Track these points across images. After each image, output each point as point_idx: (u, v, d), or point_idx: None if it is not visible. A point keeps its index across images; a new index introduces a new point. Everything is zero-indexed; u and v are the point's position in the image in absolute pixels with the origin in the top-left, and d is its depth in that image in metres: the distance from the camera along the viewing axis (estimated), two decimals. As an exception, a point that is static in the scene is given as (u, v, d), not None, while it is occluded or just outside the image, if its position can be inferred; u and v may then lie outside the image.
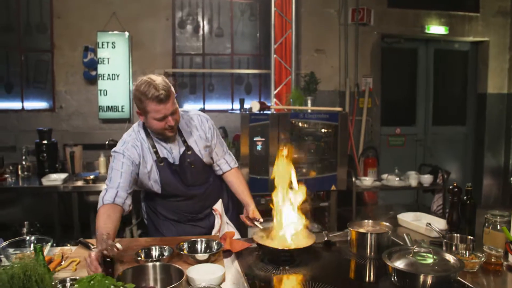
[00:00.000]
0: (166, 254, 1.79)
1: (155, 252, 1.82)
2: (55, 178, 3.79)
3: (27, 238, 1.93)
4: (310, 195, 2.00)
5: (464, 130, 6.22)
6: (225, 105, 5.36)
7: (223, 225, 2.27)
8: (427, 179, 4.28)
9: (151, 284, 1.52)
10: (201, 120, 2.22)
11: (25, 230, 4.20)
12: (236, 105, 5.29)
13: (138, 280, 1.48)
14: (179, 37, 5.18)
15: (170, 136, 2.06)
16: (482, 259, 1.71)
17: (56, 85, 4.81)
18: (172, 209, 2.23)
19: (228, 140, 4.54)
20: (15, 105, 4.85)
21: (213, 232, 2.24)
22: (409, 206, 4.49)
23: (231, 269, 1.76)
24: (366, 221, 2.08)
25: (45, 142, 4.06)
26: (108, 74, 4.75)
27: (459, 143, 6.21)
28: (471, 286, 1.56)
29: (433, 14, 5.57)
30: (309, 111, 4.08)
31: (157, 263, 1.57)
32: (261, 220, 2.15)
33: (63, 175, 3.90)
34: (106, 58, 4.72)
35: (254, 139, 3.78)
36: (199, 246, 1.90)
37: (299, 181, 1.98)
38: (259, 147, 3.79)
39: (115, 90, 4.77)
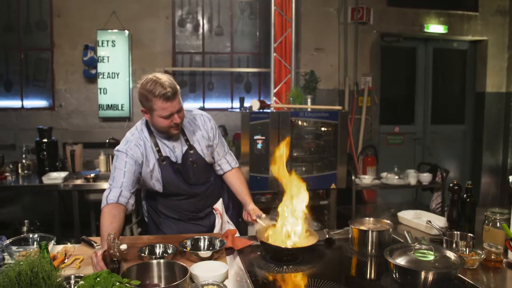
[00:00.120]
0: (169, 251, 1.80)
1: (158, 250, 1.83)
2: (56, 177, 3.80)
3: (30, 236, 1.94)
4: (310, 194, 2.00)
5: (463, 128, 6.24)
6: (225, 104, 5.37)
7: (223, 224, 2.28)
8: (426, 177, 4.30)
9: (155, 281, 1.53)
10: (204, 120, 2.24)
11: (25, 228, 4.21)
12: (236, 104, 5.30)
13: (143, 277, 1.50)
14: (179, 35, 5.18)
15: (175, 134, 2.07)
16: (482, 256, 1.73)
17: (56, 83, 4.81)
18: (173, 208, 2.24)
19: (228, 138, 4.55)
20: (15, 103, 4.85)
21: (214, 232, 2.26)
22: (408, 204, 4.51)
23: (233, 266, 1.77)
24: (367, 218, 2.10)
25: (45, 140, 4.07)
26: (108, 73, 4.75)
27: (458, 141, 6.24)
28: (472, 282, 1.58)
29: (432, 13, 5.59)
30: (309, 109, 4.10)
31: (161, 261, 1.58)
32: (263, 215, 2.15)
33: (63, 174, 3.91)
34: (106, 57, 4.72)
35: (255, 138, 3.79)
36: (202, 244, 1.92)
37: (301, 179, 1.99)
38: (259, 146, 3.80)
39: (115, 88, 4.78)
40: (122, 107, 4.81)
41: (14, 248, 1.82)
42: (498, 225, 1.89)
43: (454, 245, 1.83)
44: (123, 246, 1.89)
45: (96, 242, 1.97)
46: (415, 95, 6.01)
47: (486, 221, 1.95)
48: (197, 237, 1.95)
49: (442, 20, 5.63)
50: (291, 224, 1.93)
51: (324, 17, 5.29)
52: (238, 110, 4.25)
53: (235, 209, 2.45)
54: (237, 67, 5.36)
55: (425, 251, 1.63)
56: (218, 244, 1.88)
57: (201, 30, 5.24)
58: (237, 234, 2.22)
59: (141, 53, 4.91)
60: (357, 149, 5.35)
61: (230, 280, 1.62)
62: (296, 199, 1.93)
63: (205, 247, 1.90)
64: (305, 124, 4.00)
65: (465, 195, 2.09)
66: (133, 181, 1.99)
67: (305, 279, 1.66)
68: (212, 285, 1.47)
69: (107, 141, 4.38)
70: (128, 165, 1.99)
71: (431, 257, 1.59)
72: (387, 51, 5.66)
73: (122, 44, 4.76)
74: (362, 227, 1.99)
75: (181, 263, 1.55)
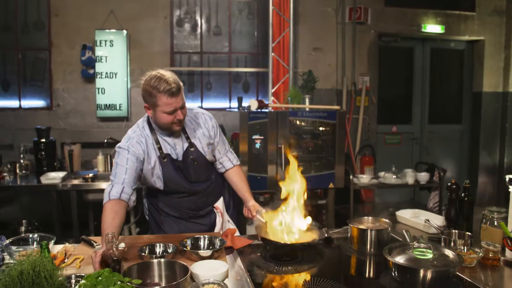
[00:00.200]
0: (169, 251, 1.81)
1: (158, 249, 1.83)
2: (54, 177, 3.79)
3: (30, 235, 1.94)
4: (308, 193, 2.02)
5: (460, 128, 6.27)
6: (223, 104, 5.37)
7: (224, 223, 2.29)
8: (423, 176, 4.31)
9: (156, 280, 1.54)
10: (205, 118, 2.27)
11: (23, 228, 4.20)
12: (234, 104, 5.31)
13: (143, 277, 1.50)
14: (177, 35, 5.18)
15: (177, 131, 2.09)
16: (480, 254, 1.74)
17: (53, 83, 4.80)
18: (174, 206, 2.25)
19: (227, 138, 4.55)
20: (13, 103, 4.85)
21: (215, 230, 2.27)
22: (406, 203, 4.53)
23: (233, 265, 1.78)
24: (365, 218, 2.11)
25: (43, 140, 4.06)
26: (106, 73, 4.75)
27: (455, 141, 6.26)
28: (470, 280, 1.60)
29: (430, 13, 5.61)
30: (307, 109, 4.11)
31: (162, 260, 1.59)
32: (263, 210, 2.15)
33: (61, 174, 3.90)
34: (104, 57, 4.72)
35: (253, 137, 3.80)
36: (202, 243, 1.92)
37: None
38: (257, 145, 3.81)
39: (113, 88, 4.77)
40: (120, 107, 4.81)
41: (13, 248, 1.82)
42: (495, 223, 1.90)
43: (452, 243, 1.84)
44: (122, 245, 1.90)
45: (96, 242, 1.97)
46: (413, 95, 6.03)
47: (484, 220, 1.96)
48: (197, 236, 1.96)
49: (440, 20, 5.65)
50: (292, 220, 1.94)
51: (322, 17, 5.31)
52: (236, 110, 4.25)
53: (235, 208, 2.46)
54: (235, 67, 5.37)
55: (424, 250, 1.64)
56: (218, 243, 1.89)
57: (199, 30, 5.24)
58: (237, 233, 2.23)
59: (139, 53, 4.91)
60: (355, 149, 5.37)
61: (230, 279, 1.63)
62: (295, 195, 1.96)
63: (205, 246, 1.91)
64: (303, 123, 4.01)
65: (463, 194, 2.10)
66: (134, 178, 2.01)
67: (305, 277, 1.67)
68: (213, 284, 1.47)
69: (106, 141, 4.38)
70: (130, 161, 2.01)
71: (430, 256, 1.60)
72: (384, 51, 5.68)
73: (120, 44, 4.75)
74: (361, 226, 2.00)
75: (182, 262, 1.56)
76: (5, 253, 1.79)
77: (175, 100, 1.93)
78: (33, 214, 4.33)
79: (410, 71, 5.99)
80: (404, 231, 1.97)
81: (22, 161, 4.13)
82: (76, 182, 3.85)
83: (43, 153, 4.06)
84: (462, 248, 1.80)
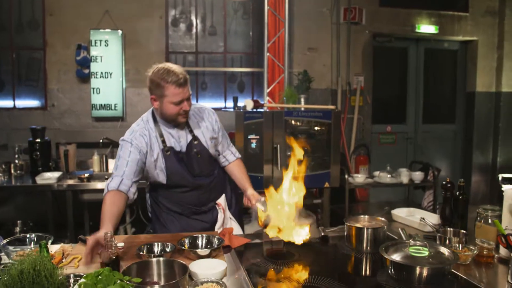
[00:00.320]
0: (168, 250, 1.81)
1: (157, 248, 1.84)
2: (49, 177, 3.78)
3: (27, 235, 1.94)
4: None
5: (454, 128, 6.32)
6: (218, 103, 5.38)
7: (226, 220, 2.31)
8: (418, 176, 4.35)
9: (155, 279, 1.54)
10: (208, 113, 2.33)
11: (18, 229, 4.19)
12: (229, 103, 5.31)
13: (142, 275, 1.51)
14: (172, 35, 5.18)
15: (182, 122, 2.14)
16: (475, 251, 1.77)
17: (48, 83, 4.78)
18: (176, 201, 2.26)
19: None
20: (7, 103, 4.82)
21: (216, 227, 2.28)
22: (400, 202, 4.57)
23: (231, 264, 1.79)
24: (362, 216, 2.13)
25: (38, 140, 4.04)
26: (101, 72, 4.74)
27: (449, 141, 6.32)
28: (465, 277, 1.62)
29: (424, 14, 5.66)
30: (302, 109, 4.12)
31: (161, 259, 1.59)
32: (262, 199, 2.17)
33: (57, 174, 3.89)
34: (99, 56, 4.70)
35: (249, 137, 3.81)
36: (200, 242, 1.93)
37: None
38: (253, 145, 3.83)
39: (108, 88, 4.77)
40: (115, 107, 4.80)
41: (11, 248, 1.82)
42: (489, 221, 1.93)
43: (447, 241, 1.87)
44: (120, 244, 1.91)
45: (93, 241, 1.97)
46: (407, 95, 6.07)
47: (478, 218, 1.99)
48: (195, 235, 1.97)
49: (433, 21, 5.70)
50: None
51: (317, 17, 5.33)
52: (231, 109, 4.26)
53: (237, 206, 2.49)
54: (231, 66, 5.38)
55: (420, 248, 1.66)
56: (216, 242, 1.90)
57: (194, 30, 5.25)
58: (239, 231, 2.28)
59: (135, 52, 4.90)
60: (350, 148, 5.40)
61: (228, 278, 1.64)
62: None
63: (203, 245, 1.92)
64: (298, 123, 4.02)
65: (457, 193, 2.13)
66: (135, 171, 2.05)
67: (302, 276, 1.68)
68: (212, 282, 1.49)
69: (101, 141, 4.37)
70: (132, 154, 2.06)
71: (426, 253, 1.63)
72: (379, 51, 5.72)
73: (115, 44, 4.74)
74: (358, 225, 2.02)
75: (181, 261, 1.57)
76: (2, 253, 1.79)
77: (182, 90, 2.01)
78: (28, 215, 4.31)
79: (404, 71, 6.04)
80: (400, 229, 1.99)
81: (17, 161, 4.12)
82: (71, 182, 3.84)
83: (38, 153, 4.04)
84: (457, 245, 1.83)
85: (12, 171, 4.08)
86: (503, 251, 1.81)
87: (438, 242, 1.89)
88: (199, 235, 1.97)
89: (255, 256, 1.89)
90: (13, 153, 4.21)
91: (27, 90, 4.86)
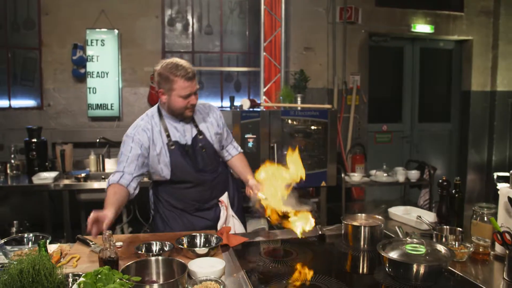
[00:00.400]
0: (166, 249, 1.82)
1: (155, 247, 1.84)
2: (46, 177, 3.77)
3: (25, 235, 1.94)
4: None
5: (449, 127, 6.36)
6: (215, 103, 5.38)
7: (228, 217, 2.31)
8: (414, 174, 4.38)
9: (154, 278, 1.55)
10: (212, 109, 2.37)
11: (14, 229, 4.16)
12: (226, 103, 5.31)
13: (141, 274, 1.51)
14: (168, 35, 5.18)
15: (189, 116, 2.17)
16: (471, 249, 1.79)
17: (44, 82, 4.77)
18: (179, 197, 2.27)
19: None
20: (2, 103, 4.79)
21: (219, 224, 2.29)
22: (396, 201, 4.59)
23: (230, 262, 1.80)
24: (359, 214, 2.14)
25: (34, 140, 4.03)
26: (97, 72, 4.73)
27: (444, 139, 6.36)
28: (461, 274, 1.64)
29: (419, 13, 5.69)
30: (299, 108, 4.14)
31: (160, 258, 1.60)
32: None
33: (53, 174, 3.88)
34: (95, 56, 4.69)
35: (246, 136, 3.82)
36: (198, 241, 1.94)
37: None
38: (250, 144, 3.84)
39: (104, 88, 4.75)
40: (111, 106, 4.79)
41: (8, 247, 1.82)
42: (485, 219, 1.95)
43: (444, 239, 1.88)
44: (119, 243, 1.91)
45: (92, 241, 1.97)
46: (403, 94, 6.10)
47: (474, 216, 2.01)
48: (193, 234, 1.98)
49: (429, 20, 5.73)
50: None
51: (313, 17, 5.34)
52: (228, 109, 4.27)
53: (240, 204, 2.50)
54: (227, 66, 5.38)
55: (416, 245, 1.67)
56: (214, 241, 1.90)
57: (190, 30, 5.24)
58: (242, 229, 2.30)
59: (131, 52, 4.89)
60: (346, 147, 5.41)
61: (227, 276, 1.65)
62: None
63: (201, 244, 1.93)
64: (295, 122, 4.04)
65: (453, 191, 2.15)
66: (136, 166, 2.08)
67: (300, 274, 1.69)
68: (210, 281, 1.49)
69: (98, 140, 4.36)
70: (133, 150, 2.09)
71: (422, 251, 1.64)
72: (375, 51, 5.74)
73: (112, 43, 4.73)
74: (355, 223, 2.04)
75: (179, 260, 1.57)
76: (0, 254, 1.78)
77: (190, 84, 2.05)
78: (24, 215, 4.29)
79: (400, 71, 6.07)
80: (396, 227, 2.01)
81: (13, 161, 4.10)
82: (68, 182, 3.83)
83: (34, 153, 4.02)
84: (454, 243, 1.85)
85: (8, 171, 4.06)
86: (498, 248, 1.83)
87: (434, 239, 1.90)
88: (197, 234, 1.97)
89: (253, 254, 1.90)
90: (9, 153, 4.19)
91: (23, 89, 4.84)
